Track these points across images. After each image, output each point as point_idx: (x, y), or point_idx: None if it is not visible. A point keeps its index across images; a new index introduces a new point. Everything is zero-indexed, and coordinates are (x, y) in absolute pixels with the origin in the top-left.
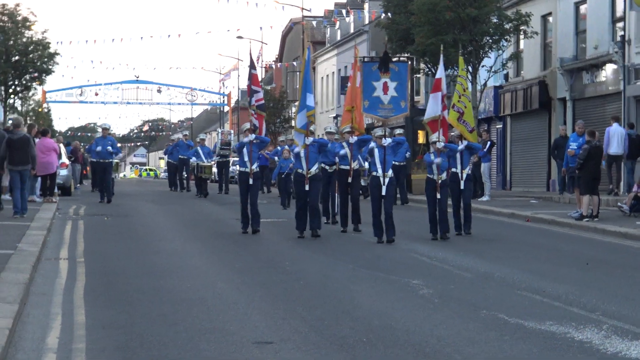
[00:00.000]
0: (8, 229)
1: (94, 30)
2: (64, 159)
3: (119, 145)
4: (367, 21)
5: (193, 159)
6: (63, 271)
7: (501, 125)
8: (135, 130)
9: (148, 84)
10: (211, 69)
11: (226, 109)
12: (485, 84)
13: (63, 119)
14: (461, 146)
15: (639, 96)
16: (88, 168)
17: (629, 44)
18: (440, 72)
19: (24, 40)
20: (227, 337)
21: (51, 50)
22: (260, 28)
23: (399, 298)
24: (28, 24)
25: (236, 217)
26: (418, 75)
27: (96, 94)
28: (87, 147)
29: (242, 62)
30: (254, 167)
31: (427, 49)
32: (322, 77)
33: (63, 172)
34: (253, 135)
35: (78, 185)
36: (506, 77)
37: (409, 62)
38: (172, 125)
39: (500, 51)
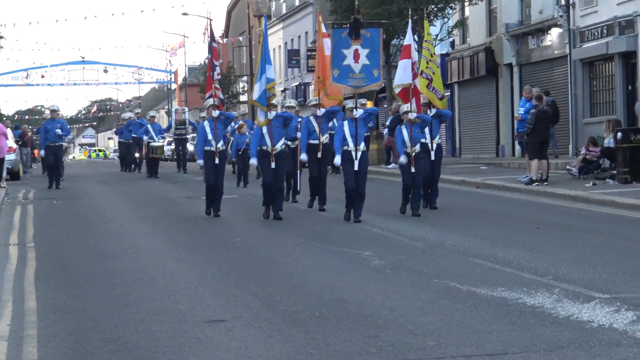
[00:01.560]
0: None
1: (38, 11)
2: (12, 143)
3: (68, 126)
4: None
5: (145, 137)
6: (13, 257)
7: (449, 93)
8: (83, 112)
9: (94, 64)
10: (157, 47)
11: (174, 86)
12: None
13: (10, 103)
14: (430, 114)
15: (584, 59)
16: (36, 151)
17: (573, 7)
18: (409, 39)
19: None
20: (179, 317)
21: None
22: (204, 2)
23: (351, 270)
24: None
25: (187, 195)
26: None
27: (42, 76)
28: (35, 129)
29: (188, 39)
30: (219, 145)
31: (373, 19)
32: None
33: (11, 156)
34: (217, 112)
35: (28, 169)
36: (452, 44)
37: (382, 28)
38: (120, 105)
39: (446, 19)
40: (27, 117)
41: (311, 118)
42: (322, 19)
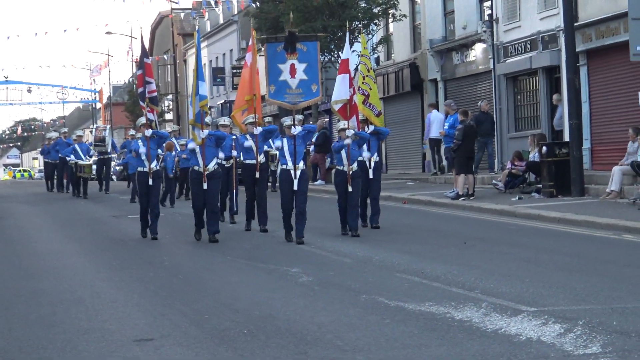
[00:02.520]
0: None
1: None
2: None
3: None
4: (236, 11)
5: (71, 157)
6: None
7: (302, 116)
8: (7, 132)
9: (18, 84)
10: (81, 66)
11: (98, 105)
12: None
13: None
14: (368, 131)
15: (508, 74)
16: None
17: (497, 22)
18: (347, 53)
19: None
20: (107, 336)
21: None
22: (127, 21)
23: (279, 287)
24: None
25: (113, 214)
26: None
27: None
28: None
29: (112, 58)
30: (153, 165)
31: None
32: (193, 69)
33: None
34: (150, 131)
35: None
36: (377, 60)
37: (319, 41)
38: (45, 125)
39: (370, 35)
40: None
41: (247, 137)
42: (254, 34)
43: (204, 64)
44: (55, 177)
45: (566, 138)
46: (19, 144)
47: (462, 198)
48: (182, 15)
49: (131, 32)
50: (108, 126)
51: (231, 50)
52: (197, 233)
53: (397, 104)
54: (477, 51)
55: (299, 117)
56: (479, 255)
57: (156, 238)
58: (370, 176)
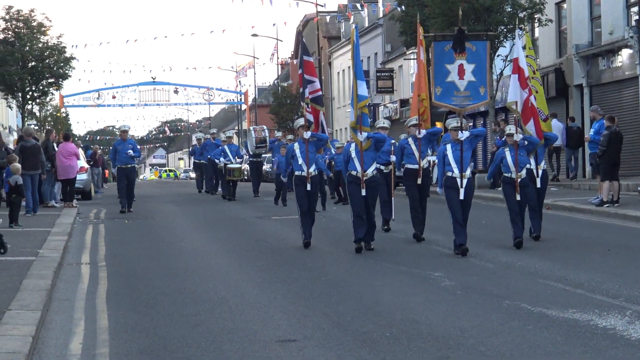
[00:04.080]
0: (29, 235)
1: (109, 32)
2: (83, 163)
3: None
4: (381, 15)
5: (220, 160)
6: (85, 276)
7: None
8: (154, 132)
9: (165, 84)
10: (227, 67)
11: (243, 107)
12: (501, 73)
13: (81, 123)
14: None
15: None
16: (107, 171)
17: None
18: (517, 51)
19: (40, 45)
20: (250, 337)
21: (67, 54)
22: (274, 24)
23: (421, 291)
24: (43, 29)
25: (257, 215)
26: None
27: (113, 97)
28: (108, 150)
29: (258, 60)
30: (311, 170)
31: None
32: (338, 72)
33: (82, 176)
34: (309, 133)
35: (99, 189)
36: None
37: (489, 41)
38: (191, 125)
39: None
40: (98, 137)
41: (410, 140)
42: (420, 30)
43: (349, 67)
44: (204, 178)
45: None
46: (165, 144)
47: (607, 205)
48: (327, 18)
49: (277, 35)
50: (265, 127)
51: (376, 54)
52: (358, 243)
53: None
54: (624, 57)
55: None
56: (623, 263)
57: (309, 243)
58: (538, 185)
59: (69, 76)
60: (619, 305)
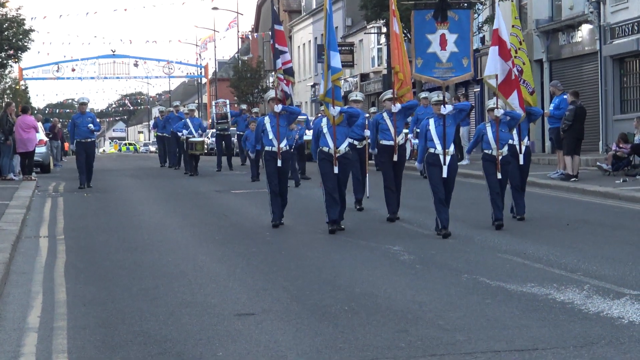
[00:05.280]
0: None
1: (68, 4)
2: (42, 136)
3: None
4: None
5: (183, 133)
6: (43, 249)
7: (479, 89)
8: (114, 105)
9: (125, 58)
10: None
11: (204, 80)
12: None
13: (41, 96)
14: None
15: (615, 55)
16: (66, 144)
17: (603, 3)
18: (497, 22)
19: None
20: (209, 310)
21: (26, 27)
22: None
23: (380, 265)
24: (2, 1)
25: (216, 188)
26: None
27: (73, 70)
28: (67, 124)
29: (218, 34)
30: (282, 145)
31: (403, 14)
32: (299, 46)
33: (41, 149)
34: (280, 106)
35: (58, 162)
36: (482, 40)
37: (472, 9)
38: (151, 99)
39: (476, 15)
40: (57, 110)
41: (384, 115)
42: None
43: (309, 41)
44: (167, 152)
45: None
46: (125, 117)
47: (573, 179)
48: None
49: (237, 8)
50: (228, 101)
51: (336, 28)
52: (332, 224)
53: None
54: (584, 32)
55: (448, 94)
56: (582, 238)
57: (282, 223)
58: (521, 162)
59: (28, 48)
60: (577, 279)
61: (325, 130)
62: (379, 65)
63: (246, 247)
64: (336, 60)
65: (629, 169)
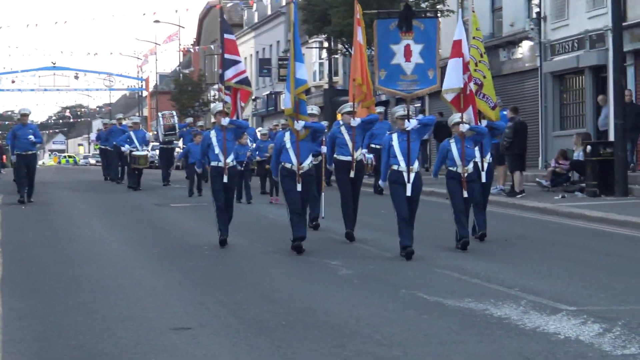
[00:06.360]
0: None
1: (8, 15)
2: None
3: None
4: (284, 2)
5: (126, 146)
6: None
7: (420, 104)
8: (54, 117)
9: (65, 70)
10: (128, 53)
11: (144, 93)
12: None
13: None
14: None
15: (555, 72)
16: (4, 157)
17: (544, 20)
18: (459, 33)
19: None
20: (145, 324)
21: None
22: (176, 11)
23: (319, 280)
24: None
25: (155, 202)
26: (336, 56)
27: (12, 82)
28: (6, 135)
29: (159, 46)
30: (229, 160)
31: (344, 29)
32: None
33: None
34: (227, 119)
35: None
36: None
37: (439, 18)
38: (91, 111)
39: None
40: None
41: (342, 129)
42: (359, 8)
43: (250, 55)
44: (109, 165)
45: (611, 138)
46: (65, 129)
47: (519, 195)
48: (229, 5)
49: (179, 21)
50: (174, 112)
51: (278, 42)
52: (299, 241)
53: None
54: (524, 49)
55: (417, 105)
56: (520, 253)
57: (225, 240)
58: (483, 180)
59: None
60: (514, 295)
61: (288, 145)
62: (320, 80)
63: (184, 261)
64: (302, 71)
65: (567, 185)
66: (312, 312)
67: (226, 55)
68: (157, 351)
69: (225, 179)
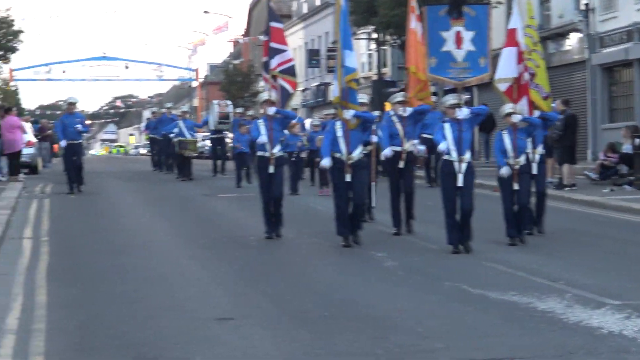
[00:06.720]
0: None
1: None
2: (31, 137)
3: (88, 122)
4: None
5: (174, 131)
6: (26, 250)
7: (469, 96)
8: (105, 107)
9: (116, 60)
10: (179, 44)
11: (195, 84)
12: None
13: (31, 98)
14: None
15: (604, 64)
16: (55, 146)
17: (593, 12)
18: (515, 21)
19: None
20: (188, 314)
21: (15, 27)
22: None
23: (363, 271)
24: None
25: (204, 192)
26: (384, 48)
27: (63, 72)
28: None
29: (209, 37)
30: (275, 150)
31: (392, 20)
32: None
33: (30, 150)
34: (274, 109)
35: (47, 164)
36: None
37: (490, 4)
38: (141, 101)
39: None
40: (48, 112)
41: (394, 118)
42: None
43: (299, 46)
44: (156, 154)
45: None
46: (117, 119)
47: (567, 188)
48: None
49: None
50: (230, 102)
51: (327, 33)
52: (346, 240)
53: (491, 92)
54: (573, 41)
55: (466, 96)
56: (566, 247)
57: (280, 235)
58: (534, 171)
59: (18, 49)
60: (558, 288)
61: (339, 134)
62: (369, 71)
63: (230, 252)
64: (351, 59)
65: (616, 178)
66: (354, 304)
67: (271, 44)
68: (198, 341)
69: (271, 170)
